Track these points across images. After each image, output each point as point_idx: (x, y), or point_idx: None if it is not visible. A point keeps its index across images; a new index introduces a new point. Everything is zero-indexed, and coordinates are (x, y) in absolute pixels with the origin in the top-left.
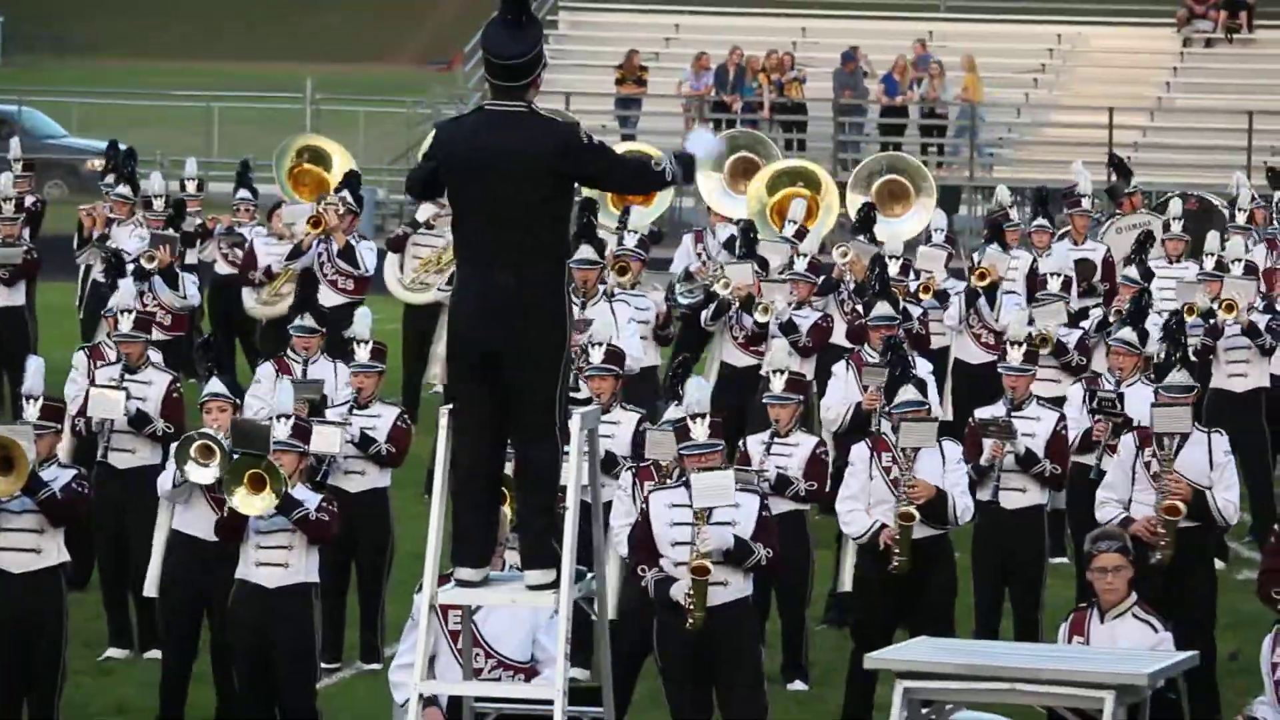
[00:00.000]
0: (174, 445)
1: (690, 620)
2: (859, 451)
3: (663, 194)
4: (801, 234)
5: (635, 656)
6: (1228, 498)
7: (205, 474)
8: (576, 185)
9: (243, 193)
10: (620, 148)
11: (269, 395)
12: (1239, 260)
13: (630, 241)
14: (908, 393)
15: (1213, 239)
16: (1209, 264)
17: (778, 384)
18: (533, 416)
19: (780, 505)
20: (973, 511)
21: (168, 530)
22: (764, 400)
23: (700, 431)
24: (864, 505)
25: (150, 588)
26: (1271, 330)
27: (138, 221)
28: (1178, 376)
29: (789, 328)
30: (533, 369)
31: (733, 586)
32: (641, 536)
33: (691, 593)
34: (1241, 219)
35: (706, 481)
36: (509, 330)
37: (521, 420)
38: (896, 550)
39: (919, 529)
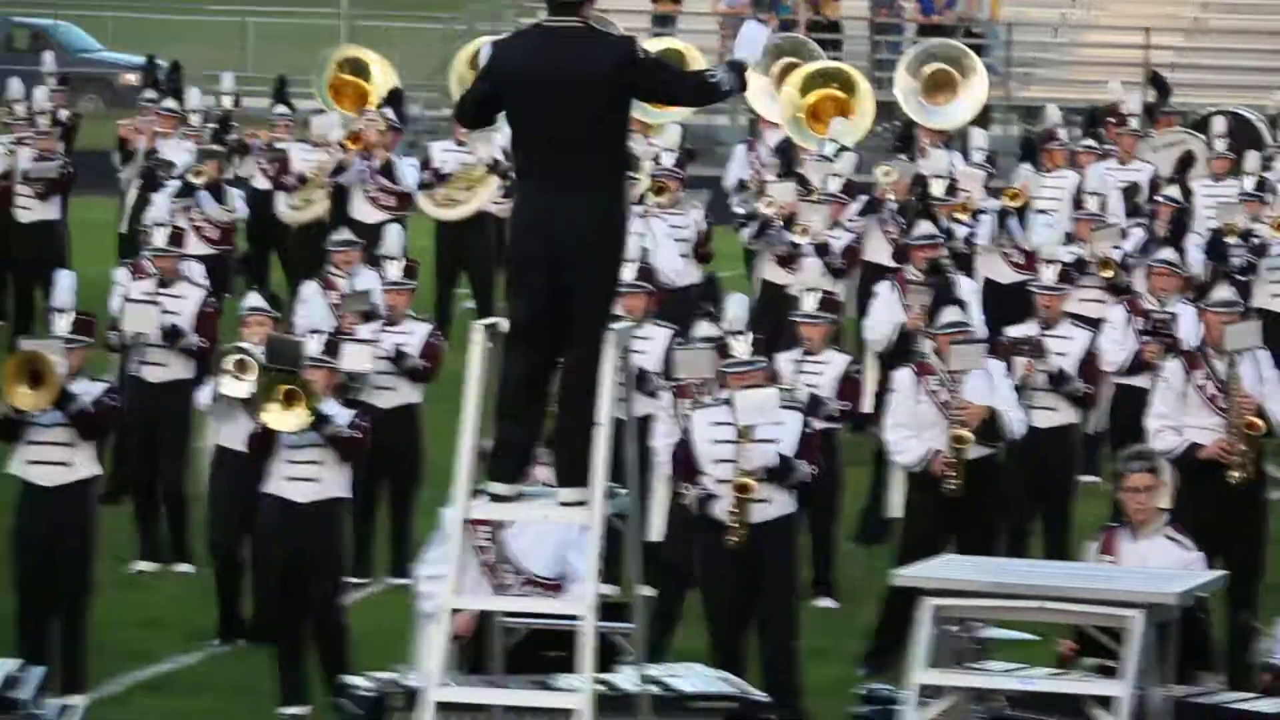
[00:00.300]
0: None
1: (735, 538)
2: (904, 377)
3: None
4: (841, 153)
5: (685, 574)
6: None
7: (240, 388)
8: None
9: (281, 108)
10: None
11: (316, 314)
12: None
13: (668, 160)
14: (951, 314)
15: (1252, 158)
16: (1249, 183)
17: (809, 302)
18: (588, 332)
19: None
20: (1025, 425)
21: (213, 445)
22: (794, 319)
23: (742, 348)
24: (914, 431)
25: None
26: None
27: (183, 135)
28: (1224, 293)
29: (823, 249)
30: (594, 285)
31: (776, 504)
32: (683, 455)
33: (735, 510)
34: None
35: (750, 399)
36: (574, 246)
37: (576, 336)
38: (953, 474)
39: (972, 449)
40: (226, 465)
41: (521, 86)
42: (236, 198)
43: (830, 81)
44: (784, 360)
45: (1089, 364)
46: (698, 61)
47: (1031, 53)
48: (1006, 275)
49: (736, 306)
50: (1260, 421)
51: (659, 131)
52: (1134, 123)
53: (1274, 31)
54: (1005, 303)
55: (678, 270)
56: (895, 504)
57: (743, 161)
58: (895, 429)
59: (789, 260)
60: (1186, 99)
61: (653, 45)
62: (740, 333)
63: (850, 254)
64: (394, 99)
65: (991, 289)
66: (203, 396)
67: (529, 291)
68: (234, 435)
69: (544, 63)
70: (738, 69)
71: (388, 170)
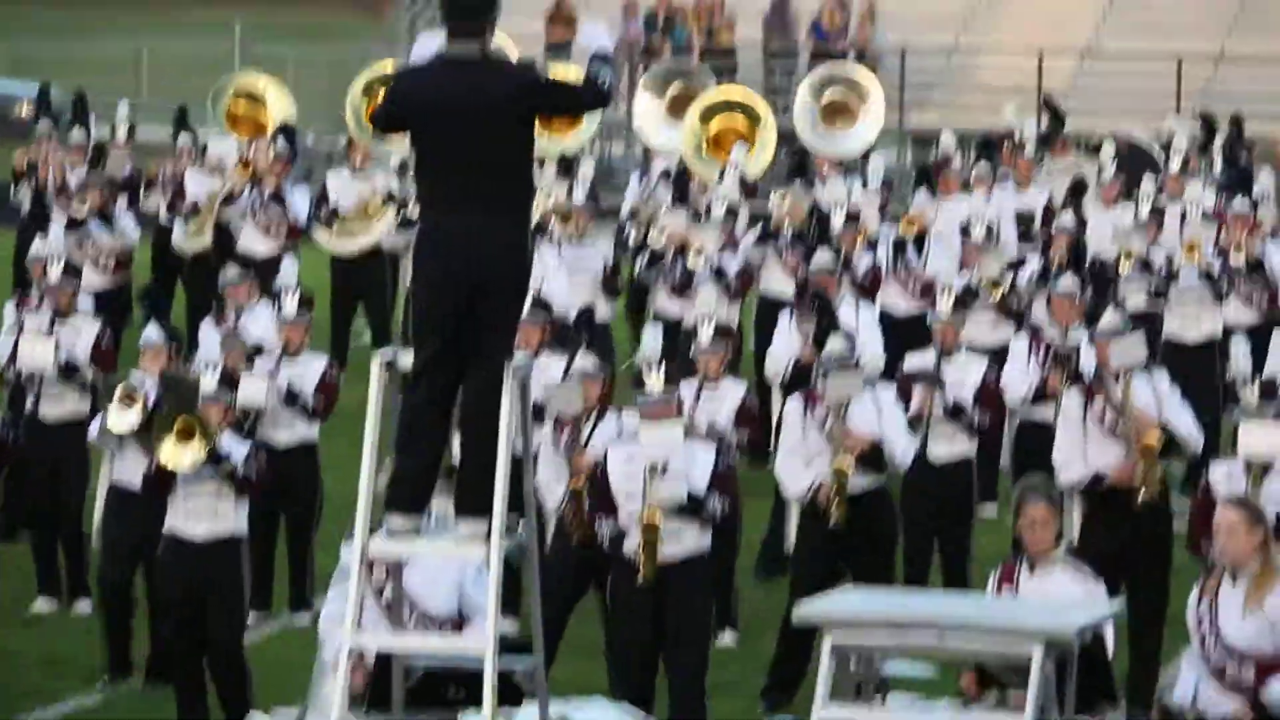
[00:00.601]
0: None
1: (642, 575)
2: (793, 407)
3: (588, 121)
4: (742, 182)
5: (565, 600)
6: (1186, 420)
7: (124, 421)
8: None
9: (183, 137)
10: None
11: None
12: (1195, 204)
13: (580, 193)
14: (835, 343)
15: (1147, 183)
16: (1144, 209)
17: (705, 332)
18: (491, 361)
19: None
20: (912, 455)
21: (108, 481)
22: (693, 351)
23: (655, 382)
24: (801, 462)
25: (96, 539)
26: (1226, 276)
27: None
28: (1111, 319)
29: (718, 274)
30: (501, 313)
31: (687, 540)
32: (600, 488)
33: (644, 547)
34: (1176, 163)
35: (655, 433)
36: (478, 275)
37: (480, 364)
38: (834, 505)
39: (858, 480)
40: (118, 501)
41: (426, 115)
42: (128, 221)
43: (733, 110)
44: (682, 389)
45: (987, 394)
46: None
47: (925, 78)
48: (903, 305)
49: (651, 339)
50: (1157, 437)
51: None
52: (1029, 148)
53: (1169, 55)
54: (901, 333)
55: (564, 302)
56: (792, 536)
57: (635, 191)
58: (784, 460)
59: (683, 290)
60: (1081, 124)
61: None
62: (655, 364)
63: (744, 277)
64: (286, 129)
65: (887, 319)
66: (92, 429)
67: (436, 319)
68: (124, 470)
69: (447, 91)
70: (605, 60)
71: (278, 199)
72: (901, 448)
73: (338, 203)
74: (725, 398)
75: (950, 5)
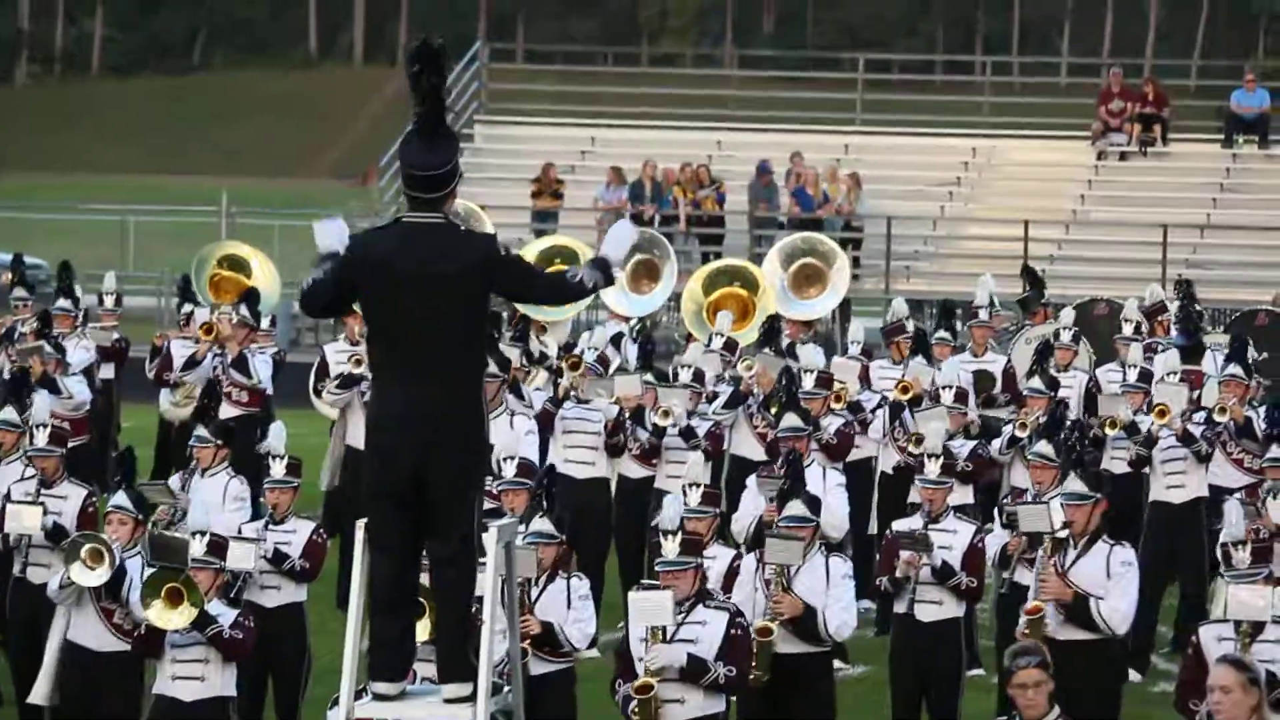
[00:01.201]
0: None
1: None
2: (747, 563)
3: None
4: (730, 345)
5: None
6: (1115, 606)
7: (91, 577)
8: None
9: (186, 306)
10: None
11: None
12: (1175, 372)
13: (590, 358)
14: (794, 507)
15: (1135, 349)
16: (1132, 375)
17: (694, 497)
18: (451, 529)
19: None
20: (851, 629)
21: (60, 638)
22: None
23: (671, 549)
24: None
25: (38, 696)
26: (1206, 438)
27: (80, 334)
28: (1074, 484)
29: (687, 434)
30: (454, 482)
31: (691, 704)
32: (623, 650)
33: (637, 711)
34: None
35: (643, 601)
36: (432, 444)
37: (439, 532)
38: (754, 664)
39: (790, 644)
40: (70, 660)
41: (382, 280)
42: (75, 383)
43: (733, 280)
44: None
45: (973, 557)
46: (587, 255)
47: (911, 246)
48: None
49: (670, 506)
50: (1036, 608)
51: (553, 328)
52: (983, 314)
53: (1152, 223)
54: (901, 495)
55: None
56: None
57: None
58: None
59: (649, 454)
60: (1066, 291)
61: (539, 242)
62: (672, 532)
63: (714, 439)
64: (249, 296)
65: (887, 482)
66: (52, 583)
67: (390, 489)
68: (79, 630)
69: (406, 256)
70: (603, 266)
71: (241, 365)
72: (838, 621)
73: (341, 371)
74: (714, 563)
75: (938, 174)
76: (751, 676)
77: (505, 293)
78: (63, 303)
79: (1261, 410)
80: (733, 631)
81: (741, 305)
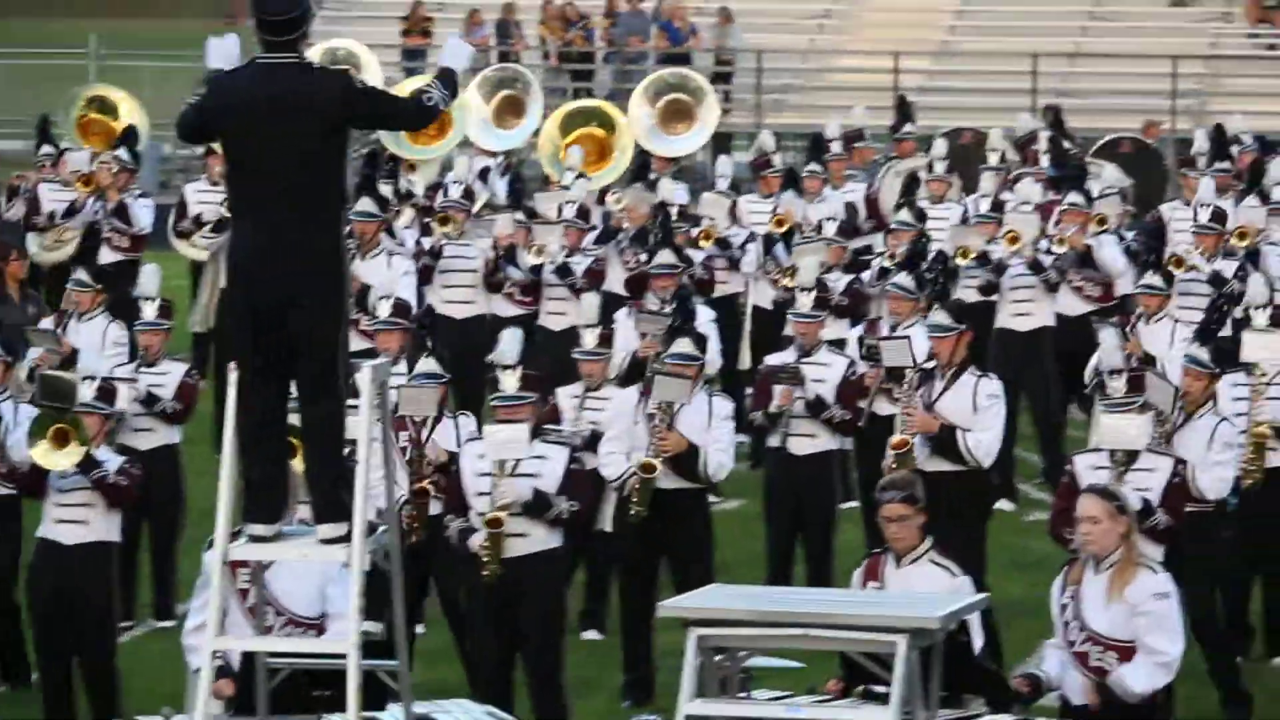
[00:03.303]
0: None
1: (486, 572)
2: (628, 398)
3: (452, 134)
4: (577, 180)
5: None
6: (980, 438)
7: None
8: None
9: (45, 148)
10: (414, 83)
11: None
12: (1028, 202)
13: (455, 192)
14: (682, 345)
15: (988, 179)
16: (985, 205)
17: (590, 338)
18: (317, 369)
19: (593, 458)
20: (728, 470)
21: None
22: (575, 355)
23: (510, 383)
24: (625, 450)
25: None
26: (1057, 267)
27: None
28: (938, 316)
29: (563, 271)
30: (316, 320)
31: (534, 538)
32: (452, 486)
33: (486, 544)
34: (993, 159)
35: (496, 436)
36: (292, 281)
37: (306, 373)
38: (636, 499)
39: (670, 480)
40: None
41: (239, 116)
42: None
43: (590, 120)
44: (565, 395)
45: (846, 390)
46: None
47: (782, 79)
48: (773, 300)
49: (507, 341)
50: (903, 441)
51: (422, 167)
52: (835, 147)
53: (1022, 53)
54: (774, 329)
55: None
56: (606, 517)
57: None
58: (607, 443)
59: (527, 291)
60: (937, 122)
61: (409, 83)
62: (510, 367)
63: (592, 274)
64: (128, 138)
65: (760, 316)
66: None
67: (253, 332)
68: None
69: (260, 96)
70: (449, 80)
71: (121, 212)
72: (716, 462)
73: (201, 213)
74: (609, 403)
75: (808, 6)
76: (632, 512)
77: (365, 121)
78: None
79: (1104, 239)
80: (573, 467)
81: (599, 145)
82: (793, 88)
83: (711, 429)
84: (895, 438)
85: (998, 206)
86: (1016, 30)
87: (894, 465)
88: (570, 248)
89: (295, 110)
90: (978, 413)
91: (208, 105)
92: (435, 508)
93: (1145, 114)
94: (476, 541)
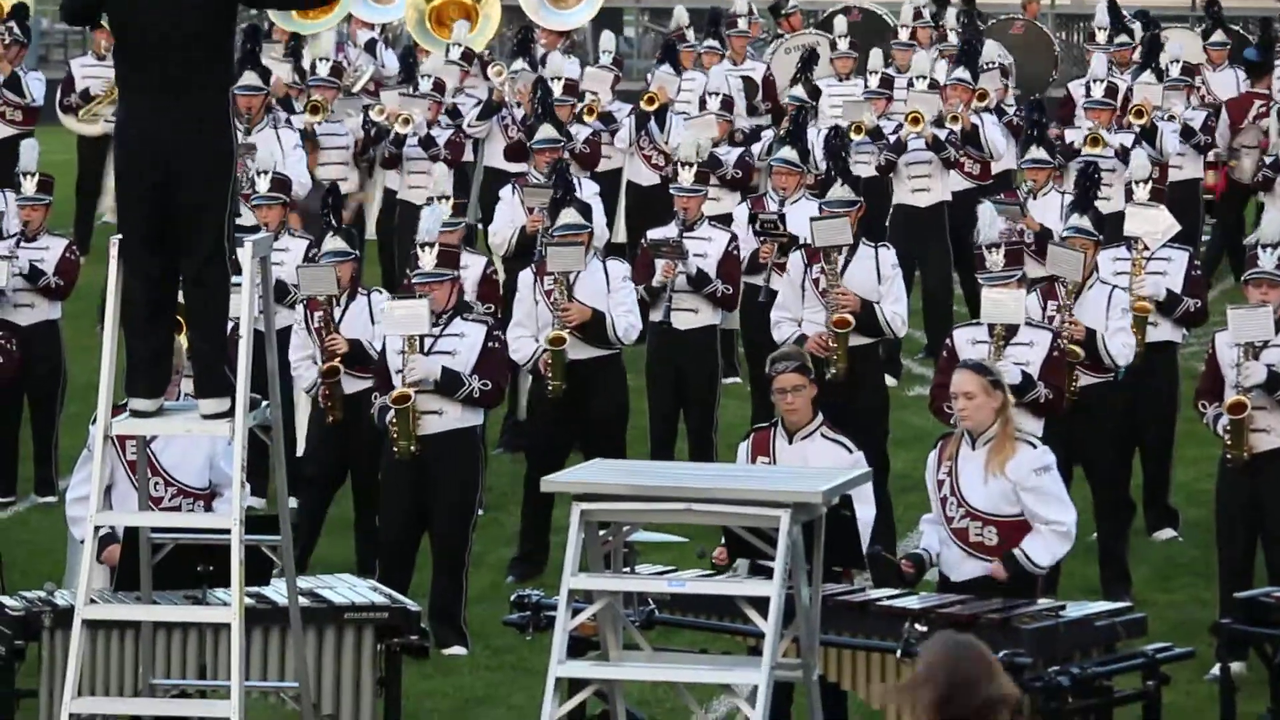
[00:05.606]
0: None
1: (396, 449)
2: (524, 277)
3: (339, 8)
4: (468, 56)
5: (325, 484)
6: (895, 310)
7: None
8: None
9: None
10: None
11: None
12: (923, 76)
13: (323, 70)
14: (568, 215)
15: (875, 56)
16: (874, 81)
17: (444, 210)
18: (201, 244)
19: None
20: (638, 330)
21: None
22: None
23: (428, 260)
24: (530, 331)
25: None
26: (952, 143)
27: None
28: (839, 191)
29: (427, 143)
30: (201, 196)
31: (449, 416)
32: (380, 365)
33: (395, 421)
34: (904, 35)
35: (395, 312)
36: (177, 157)
37: (190, 248)
38: (549, 374)
39: (579, 350)
40: None
41: None
42: None
43: None
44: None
45: (728, 264)
46: None
47: None
48: (648, 177)
49: (428, 218)
50: (851, 319)
51: (312, 41)
52: (742, 23)
53: None
54: (647, 205)
55: (304, 182)
56: (522, 406)
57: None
58: (514, 328)
59: (391, 163)
60: None
61: None
62: (429, 244)
63: (454, 148)
64: (18, 13)
65: (633, 191)
66: None
67: (139, 208)
68: None
69: None
70: None
71: (14, 85)
72: (625, 324)
73: (87, 87)
74: (466, 272)
75: None
76: (549, 387)
77: (256, 2)
78: None
79: (985, 117)
80: (490, 344)
81: (464, 11)
82: None
83: (612, 292)
84: (836, 316)
85: (887, 82)
86: None
87: (835, 344)
88: (431, 120)
89: None
90: (883, 283)
91: None
92: (354, 386)
93: None
94: (388, 417)
